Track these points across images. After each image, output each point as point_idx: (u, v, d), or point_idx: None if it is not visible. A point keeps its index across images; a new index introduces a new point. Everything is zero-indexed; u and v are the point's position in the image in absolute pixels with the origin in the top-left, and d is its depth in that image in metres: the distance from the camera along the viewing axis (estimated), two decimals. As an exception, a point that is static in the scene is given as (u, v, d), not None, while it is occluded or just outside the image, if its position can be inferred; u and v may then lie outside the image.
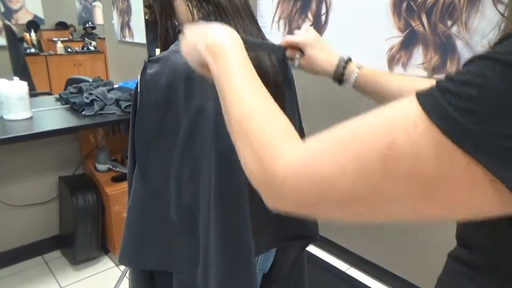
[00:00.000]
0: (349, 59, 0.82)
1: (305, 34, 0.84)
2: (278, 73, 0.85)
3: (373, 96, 0.81)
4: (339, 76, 0.81)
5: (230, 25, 0.79)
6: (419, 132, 0.33)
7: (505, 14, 0.42)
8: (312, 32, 0.85)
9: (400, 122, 0.34)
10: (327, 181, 0.37)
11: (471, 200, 0.33)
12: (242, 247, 0.84)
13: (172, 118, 0.79)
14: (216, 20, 0.80)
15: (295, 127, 0.99)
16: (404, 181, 0.34)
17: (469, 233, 0.47)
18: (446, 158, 0.32)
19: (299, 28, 2.01)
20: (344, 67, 0.80)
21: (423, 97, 0.34)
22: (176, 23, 0.90)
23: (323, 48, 0.83)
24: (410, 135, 0.33)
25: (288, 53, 0.85)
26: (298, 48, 0.84)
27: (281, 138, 0.44)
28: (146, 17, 2.73)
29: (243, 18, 0.82)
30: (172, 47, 0.81)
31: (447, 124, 0.31)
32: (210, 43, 0.55)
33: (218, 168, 0.78)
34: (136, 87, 0.81)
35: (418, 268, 1.77)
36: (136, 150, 0.82)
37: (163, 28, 0.88)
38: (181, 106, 0.77)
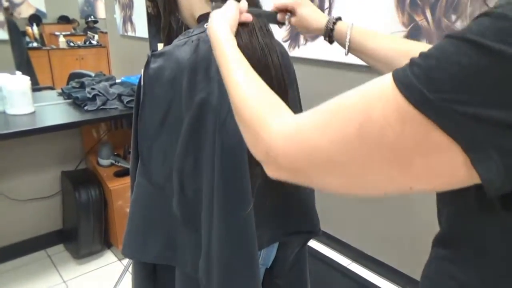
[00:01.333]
0: (339, 18, 0.82)
1: None
2: (284, 72, 0.85)
3: (364, 58, 0.80)
4: (329, 33, 0.82)
5: None
6: (389, 101, 0.37)
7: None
8: None
9: (376, 93, 0.38)
10: (314, 146, 0.41)
11: (440, 165, 0.36)
12: (245, 241, 0.84)
13: (176, 112, 0.79)
14: None
15: None
16: (377, 147, 0.38)
17: (441, 210, 0.50)
18: (410, 123, 0.36)
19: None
20: (334, 23, 0.81)
21: (397, 71, 0.38)
22: (179, 17, 0.90)
23: (313, 8, 0.85)
24: (382, 103, 0.37)
25: (279, 17, 0.85)
26: (288, 10, 0.85)
27: (271, 112, 0.50)
28: (149, 11, 2.72)
29: None
30: (175, 42, 0.81)
31: (410, 92, 0.35)
32: (211, 31, 0.66)
33: (221, 162, 0.78)
34: (140, 81, 0.81)
35: (419, 263, 1.77)
36: (139, 144, 0.83)
37: (166, 22, 0.88)
38: (184, 100, 0.78)
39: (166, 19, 0.88)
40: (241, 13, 0.72)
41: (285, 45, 2.08)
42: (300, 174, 0.45)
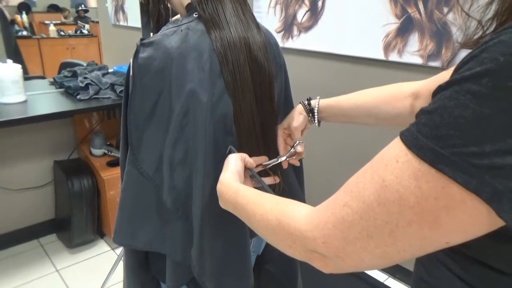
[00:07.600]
0: (309, 98, 0.87)
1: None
2: (271, 65, 0.86)
3: (352, 120, 0.85)
4: (312, 115, 0.87)
5: (221, 9, 0.79)
6: (402, 164, 0.37)
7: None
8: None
9: (387, 159, 0.39)
10: (344, 222, 0.42)
11: (466, 217, 0.35)
12: (237, 230, 0.85)
13: (165, 102, 0.79)
14: (208, 3, 0.80)
15: (284, 115, 0.99)
16: (399, 211, 0.38)
17: None
18: (427, 183, 0.35)
19: (295, 14, 2.00)
20: (309, 104, 0.86)
21: (404, 134, 0.38)
22: (169, 5, 0.90)
23: (295, 115, 0.88)
24: (395, 169, 0.38)
25: (292, 161, 0.88)
26: (293, 146, 0.88)
27: (290, 209, 0.51)
28: (141, 0, 2.70)
29: (235, 4, 0.82)
30: (164, 30, 0.81)
31: (424, 152, 0.35)
32: (220, 190, 0.70)
33: (213, 150, 0.79)
34: (128, 71, 0.81)
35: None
36: (129, 133, 0.83)
37: (155, 9, 0.88)
38: (174, 90, 0.78)
39: (155, 5, 0.89)
40: (244, 162, 0.76)
41: (279, 36, 2.08)
42: (341, 258, 0.44)
